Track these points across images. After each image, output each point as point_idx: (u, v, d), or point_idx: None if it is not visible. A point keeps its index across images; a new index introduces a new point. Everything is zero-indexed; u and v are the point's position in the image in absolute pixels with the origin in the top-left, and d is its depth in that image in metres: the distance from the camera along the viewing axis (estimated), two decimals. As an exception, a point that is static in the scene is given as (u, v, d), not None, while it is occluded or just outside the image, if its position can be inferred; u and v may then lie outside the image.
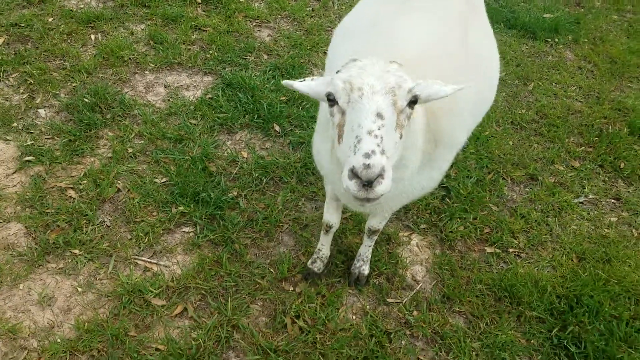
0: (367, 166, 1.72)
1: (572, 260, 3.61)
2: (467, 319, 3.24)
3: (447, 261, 3.52)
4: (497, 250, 3.64)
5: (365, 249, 3.31)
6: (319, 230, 3.47)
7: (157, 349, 2.88)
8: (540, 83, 5.26)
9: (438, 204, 3.89)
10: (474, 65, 2.65)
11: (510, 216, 3.89)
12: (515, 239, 3.74)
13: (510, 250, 3.66)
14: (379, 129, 1.79)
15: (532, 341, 3.13)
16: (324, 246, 3.31)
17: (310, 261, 3.35)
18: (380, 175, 1.74)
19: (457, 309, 3.28)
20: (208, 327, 2.98)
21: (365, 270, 3.35)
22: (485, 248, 3.66)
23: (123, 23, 5.28)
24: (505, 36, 5.94)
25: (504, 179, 4.18)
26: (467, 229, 3.74)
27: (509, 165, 4.28)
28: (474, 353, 3.04)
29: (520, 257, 3.62)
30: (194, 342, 2.91)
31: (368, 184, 1.75)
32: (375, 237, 3.24)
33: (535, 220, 3.86)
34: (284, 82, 2.13)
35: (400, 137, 1.93)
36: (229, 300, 3.14)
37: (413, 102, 1.94)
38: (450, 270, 3.47)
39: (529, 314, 3.24)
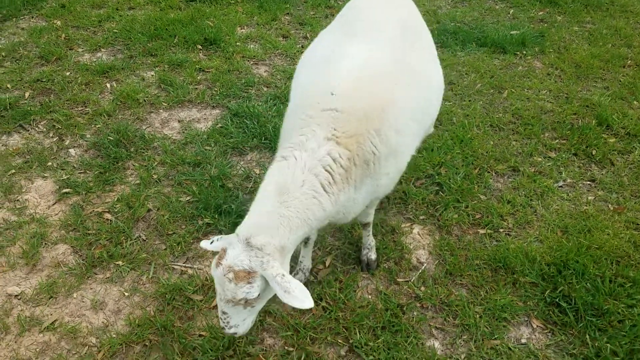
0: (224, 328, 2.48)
1: (556, 234, 4.06)
2: (469, 289, 3.66)
3: (446, 244, 3.96)
4: (489, 231, 4.09)
5: (366, 238, 3.76)
6: (329, 228, 3.93)
7: (200, 335, 3.28)
8: (513, 90, 5.83)
9: (433, 198, 4.36)
10: (412, 80, 2.98)
11: (498, 202, 4.36)
12: (504, 221, 4.20)
13: (501, 230, 4.12)
14: (224, 315, 2.44)
15: (528, 302, 3.55)
16: (304, 258, 3.61)
17: (292, 273, 3.55)
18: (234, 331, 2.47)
19: (459, 281, 3.71)
20: (243, 314, 3.39)
21: (372, 255, 3.79)
22: (479, 230, 4.11)
23: (134, 71, 5.85)
24: (478, 53, 6.56)
25: (488, 172, 4.67)
26: (461, 216, 4.20)
27: (492, 161, 4.78)
28: (477, 316, 3.46)
29: (510, 235, 4.08)
30: (232, 326, 3.32)
31: None
32: (370, 228, 3.69)
33: (521, 204, 4.33)
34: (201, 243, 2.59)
35: (258, 299, 2.43)
36: (258, 291, 3.56)
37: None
38: (449, 251, 3.91)
39: (523, 280, 3.67)
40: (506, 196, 4.40)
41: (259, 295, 2.36)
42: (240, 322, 2.46)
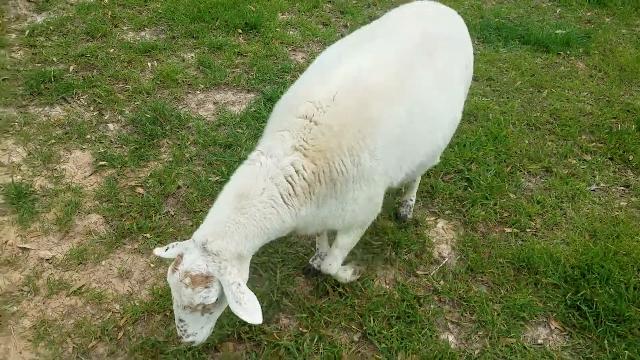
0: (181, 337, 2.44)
1: (584, 237, 3.99)
2: (489, 286, 3.64)
3: (470, 240, 3.94)
4: (516, 230, 4.05)
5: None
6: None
7: (219, 310, 3.37)
8: (553, 90, 5.71)
9: (461, 193, 4.34)
10: (409, 105, 2.68)
11: (527, 202, 4.30)
12: (532, 221, 4.14)
13: (528, 230, 4.07)
14: (181, 322, 2.39)
15: (548, 304, 3.51)
16: (321, 245, 3.58)
17: (311, 259, 3.64)
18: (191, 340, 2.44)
19: (480, 278, 3.70)
20: (260, 293, 3.47)
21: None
22: (505, 229, 4.07)
23: (175, 52, 5.97)
24: (520, 51, 6.44)
25: (520, 171, 4.61)
26: (488, 213, 4.17)
27: (525, 160, 4.71)
28: (495, 313, 3.44)
29: (537, 236, 4.02)
30: (250, 304, 3.39)
31: None
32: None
33: (550, 205, 4.26)
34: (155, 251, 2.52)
35: (216, 305, 2.38)
36: (278, 272, 3.63)
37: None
38: (473, 247, 3.89)
39: (545, 281, 3.63)
40: (536, 196, 4.34)
41: (217, 300, 2.32)
42: (198, 331, 2.43)
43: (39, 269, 3.57)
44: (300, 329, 3.30)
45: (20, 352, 3.10)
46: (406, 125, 2.65)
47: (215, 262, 2.27)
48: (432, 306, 3.50)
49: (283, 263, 3.72)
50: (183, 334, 2.42)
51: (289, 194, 2.41)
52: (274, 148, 2.44)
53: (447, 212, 4.21)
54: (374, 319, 3.35)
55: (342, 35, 6.52)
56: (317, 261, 3.62)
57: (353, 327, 3.33)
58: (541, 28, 6.86)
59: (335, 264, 3.12)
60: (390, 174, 2.71)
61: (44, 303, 3.37)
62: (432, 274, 3.71)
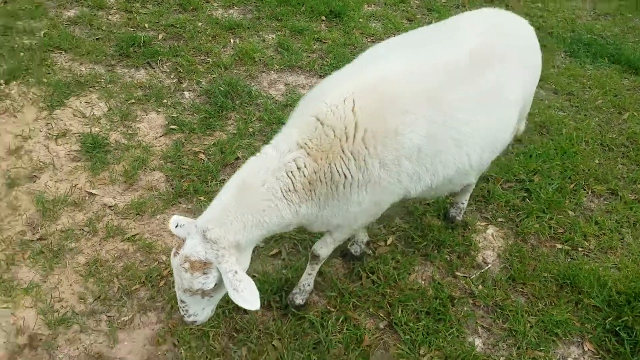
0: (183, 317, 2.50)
1: (637, 265, 3.80)
2: (528, 298, 3.56)
3: (518, 250, 3.86)
4: (567, 248, 3.92)
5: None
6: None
7: (254, 276, 3.50)
8: (635, 113, 5.43)
9: (518, 203, 4.24)
10: (437, 119, 2.55)
11: (585, 222, 4.14)
12: (586, 241, 3.99)
13: (580, 249, 3.92)
14: (182, 303, 2.43)
15: (586, 324, 3.39)
16: (358, 232, 3.53)
17: (349, 244, 3.63)
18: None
19: (520, 289, 3.62)
20: (295, 267, 3.57)
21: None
22: (556, 244, 3.95)
23: (257, 32, 6.18)
24: (607, 70, 6.15)
25: (584, 190, 4.44)
26: (542, 226, 4.05)
27: (591, 179, 4.53)
28: (528, 325, 3.36)
29: (588, 256, 3.87)
30: (283, 276, 3.51)
31: None
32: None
33: (609, 228, 4.08)
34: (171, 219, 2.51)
35: (215, 290, 2.40)
36: (318, 251, 3.72)
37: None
38: (519, 258, 3.81)
39: (587, 301, 3.50)
40: (596, 217, 4.17)
41: (215, 285, 2.35)
42: (199, 311, 2.47)
43: (100, 214, 3.86)
44: (328, 307, 3.38)
45: (71, 285, 3.39)
46: (425, 144, 2.53)
47: (213, 249, 2.29)
48: (465, 308, 3.47)
49: (324, 243, 3.80)
50: (185, 314, 2.48)
51: (289, 189, 2.42)
52: (280, 142, 2.49)
53: (499, 219, 4.14)
54: (402, 310, 3.37)
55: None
56: (354, 247, 3.66)
57: (380, 314, 3.37)
58: (635, 49, 6.52)
59: (325, 250, 3.06)
60: (404, 184, 2.63)
61: (99, 244, 3.65)
62: (471, 277, 3.67)
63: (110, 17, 6.11)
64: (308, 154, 2.42)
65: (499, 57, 2.82)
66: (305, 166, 2.41)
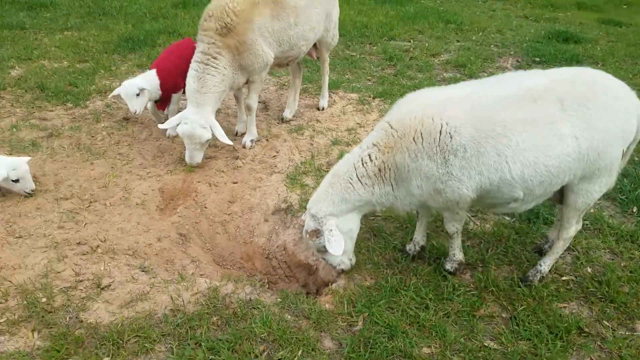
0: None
1: None
2: None
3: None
4: None
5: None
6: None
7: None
8: None
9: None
10: (497, 145, 2.97)
11: None
12: None
13: None
14: (324, 260, 3.64)
15: None
16: (417, 232, 3.86)
17: (407, 244, 3.92)
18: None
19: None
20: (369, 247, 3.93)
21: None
22: None
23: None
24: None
25: None
26: None
27: None
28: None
29: None
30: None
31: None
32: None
33: None
34: None
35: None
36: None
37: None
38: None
39: None
40: None
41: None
42: (339, 262, 3.50)
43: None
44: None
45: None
46: (471, 145, 3.00)
47: (316, 220, 3.30)
48: None
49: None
50: (337, 267, 3.55)
51: (363, 175, 3.24)
52: (364, 142, 3.32)
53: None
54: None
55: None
56: (410, 246, 3.87)
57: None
58: None
59: (449, 225, 3.49)
60: (456, 176, 3.07)
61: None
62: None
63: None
64: (379, 150, 3.20)
65: (559, 99, 3.02)
66: (375, 158, 3.21)
